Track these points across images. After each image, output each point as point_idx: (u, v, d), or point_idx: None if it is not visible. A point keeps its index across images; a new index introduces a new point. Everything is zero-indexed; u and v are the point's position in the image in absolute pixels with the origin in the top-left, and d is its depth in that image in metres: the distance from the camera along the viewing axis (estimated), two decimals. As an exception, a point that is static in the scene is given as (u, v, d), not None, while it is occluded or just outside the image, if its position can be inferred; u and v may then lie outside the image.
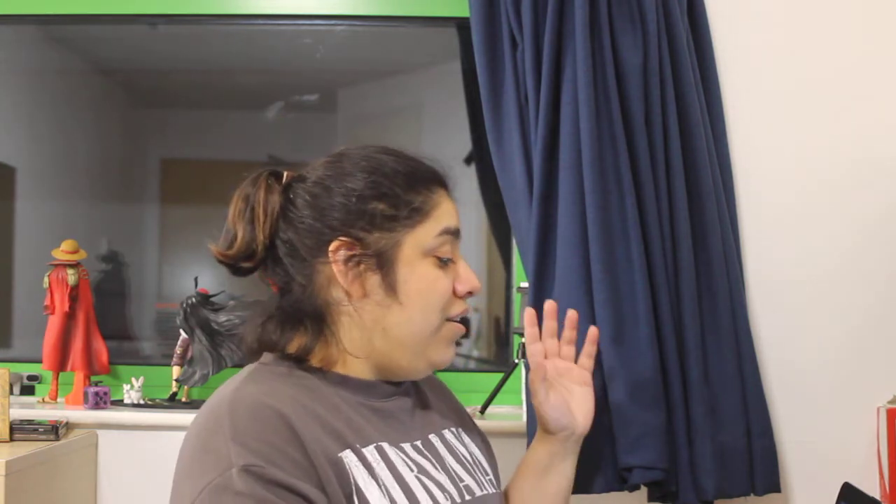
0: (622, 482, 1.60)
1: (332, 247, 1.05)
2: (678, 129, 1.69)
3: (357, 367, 1.08)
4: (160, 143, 2.41)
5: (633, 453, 1.57)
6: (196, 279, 1.92)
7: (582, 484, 1.60)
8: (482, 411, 1.82)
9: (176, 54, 2.30)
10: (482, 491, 1.14)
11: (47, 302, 1.89)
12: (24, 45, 2.25)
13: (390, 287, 1.05)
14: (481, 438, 1.27)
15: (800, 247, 1.80)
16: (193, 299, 1.86)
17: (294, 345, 1.07)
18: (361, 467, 0.99)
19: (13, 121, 2.27)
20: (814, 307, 1.79)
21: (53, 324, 1.89)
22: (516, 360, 1.81)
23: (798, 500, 1.77)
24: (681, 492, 1.61)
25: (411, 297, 1.06)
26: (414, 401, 1.17)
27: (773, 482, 1.67)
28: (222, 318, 1.86)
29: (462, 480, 1.12)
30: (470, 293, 1.11)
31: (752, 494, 1.66)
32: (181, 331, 1.88)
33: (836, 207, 1.81)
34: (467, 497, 1.11)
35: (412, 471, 1.05)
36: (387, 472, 1.02)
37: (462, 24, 1.99)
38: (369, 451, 1.02)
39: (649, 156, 1.66)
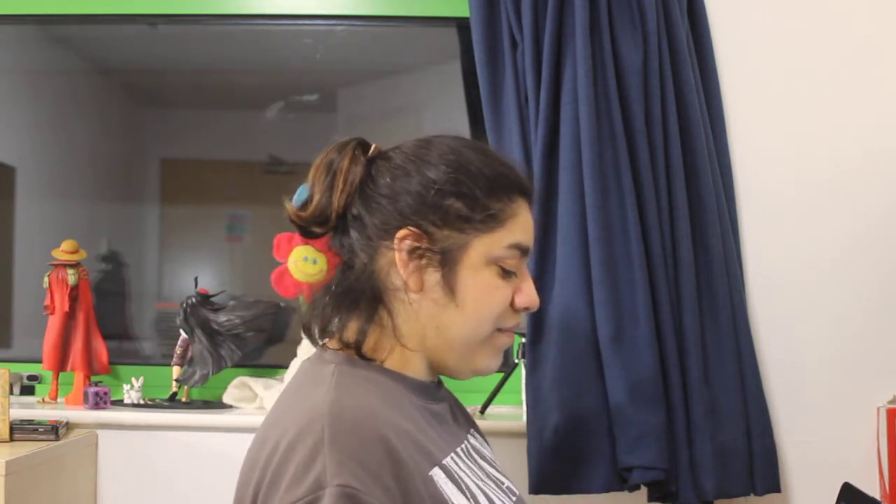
0: (622, 482, 1.60)
1: (399, 234, 1.03)
2: (678, 129, 1.69)
3: (413, 361, 1.07)
4: (160, 143, 2.41)
5: (633, 453, 1.57)
6: (196, 279, 1.92)
7: (582, 484, 1.60)
8: (482, 411, 1.82)
9: (176, 54, 2.30)
10: (517, 490, 1.15)
11: (47, 302, 1.88)
12: (24, 45, 2.25)
13: (449, 287, 1.03)
14: (483, 437, 1.28)
15: (800, 247, 1.80)
16: (193, 299, 1.86)
17: (350, 329, 1.05)
18: (450, 483, 0.97)
19: (13, 121, 2.27)
20: (814, 307, 1.79)
21: (53, 324, 1.89)
22: (516, 360, 1.81)
23: (798, 500, 1.77)
24: (681, 492, 1.61)
25: (468, 301, 1.04)
26: (453, 402, 1.18)
27: (773, 482, 1.67)
28: (222, 318, 1.86)
29: (503, 483, 1.13)
30: (528, 308, 1.09)
31: (752, 494, 1.66)
32: (181, 331, 1.88)
33: (837, 208, 1.81)
34: (513, 498, 1.11)
35: (479, 479, 1.05)
36: (469, 480, 1.02)
37: (462, 24, 1.99)
38: (449, 463, 1.01)
39: (649, 156, 1.66)
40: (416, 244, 1.03)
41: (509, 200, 1.07)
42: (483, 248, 1.04)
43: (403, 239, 1.03)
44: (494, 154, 1.11)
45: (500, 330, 1.08)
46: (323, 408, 0.93)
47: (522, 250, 1.08)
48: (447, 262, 1.03)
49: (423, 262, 1.03)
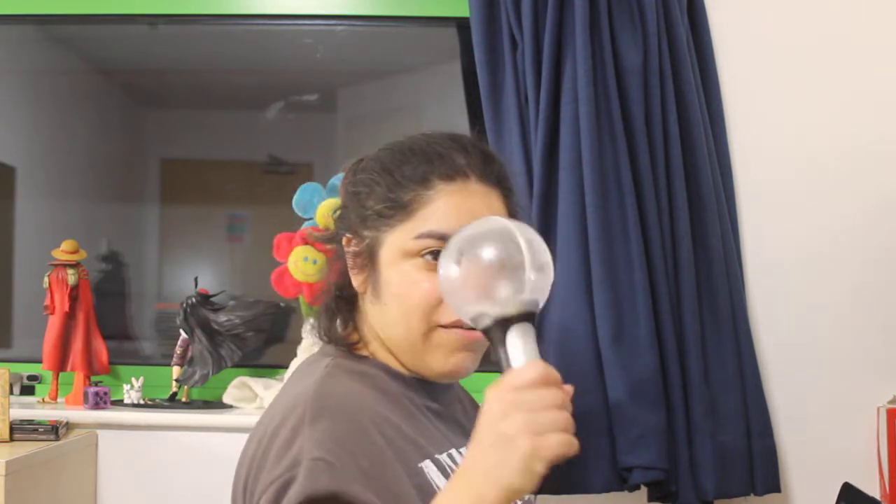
0: (622, 482, 1.60)
1: (343, 241, 1.08)
2: (678, 129, 1.69)
3: (392, 361, 1.07)
4: (160, 143, 2.41)
5: (633, 453, 1.57)
6: (196, 279, 1.92)
7: (582, 484, 1.60)
8: (482, 411, 1.82)
9: (176, 54, 2.30)
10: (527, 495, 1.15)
11: (47, 302, 1.88)
12: (24, 45, 2.25)
13: (373, 286, 1.04)
14: None
15: (800, 247, 1.80)
16: (193, 299, 1.86)
17: (346, 330, 1.10)
18: (442, 477, 0.98)
19: (13, 121, 2.27)
20: (814, 307, 1.79)
21: (53, 324, 1.89)
22: (516, 360, 1.81)
23: (798, 500, 1.77)
24: (681, 492, 1.61)
25: (391, 298, 1.03)
26: (467, 402, 1.18)
27: (773, 482, 1.67)
28: (222, 318, 1.86)
29: None
30: None
31: (752, 494, 1.66)
32: (181, 331, 1.88)
33: (837, 208, 1.81)
34: (519, 502, 1.11)
35: None
36: None
37: (462, 24, 1.99)
38: (445, 459, 1.01)
39: (649, 156, 1.66)
40: (354, 248, 1.06)
41: (424, 189, 1.02)
42: (395, 242, 1.03)
43: (347, 244, 1.08)
44: (423, 144, 1.06)
45: (443, 327, 1.02)
46: (307, 393, 0.95)
47: (441, 238, 0.99)
48: (371, 262, 1.05)
49: (361, 264, 1.06)
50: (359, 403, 0.96)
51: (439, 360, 1.03)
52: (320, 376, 1.00)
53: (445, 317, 1.01)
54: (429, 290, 1.00)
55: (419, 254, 1.01)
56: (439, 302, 1.00)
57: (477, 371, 1.10)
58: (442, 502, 0.80)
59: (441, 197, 1.02)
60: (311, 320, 1.17)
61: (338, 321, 1.10)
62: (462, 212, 1.01)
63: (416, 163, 1.04)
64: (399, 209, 1.02)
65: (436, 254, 0.99)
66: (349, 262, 1.07)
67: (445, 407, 1.12)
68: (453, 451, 1.04)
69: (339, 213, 1.11)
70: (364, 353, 1.09)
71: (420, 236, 1.01)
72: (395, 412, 0.99)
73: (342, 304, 1.09)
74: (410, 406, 1.03)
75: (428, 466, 0.97)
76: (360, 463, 0.89)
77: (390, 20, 2.05)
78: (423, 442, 0.99)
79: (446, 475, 0.98)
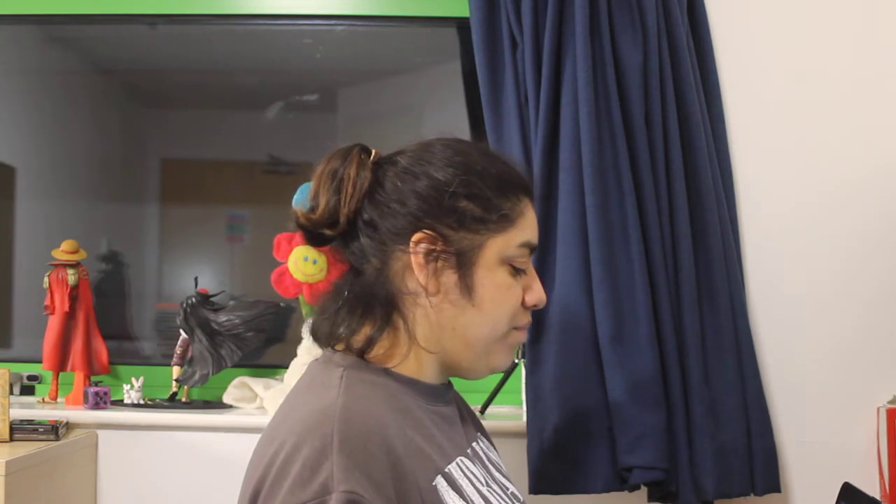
0: (622, 482, 1.60)
1: (414, 238, 1.03)
2: (678, 129, 1.69)
3: (427, 364, 1.07)
4: (160, 143, 2.41)
5: (633, 453, 1.57)
6: (196, 279, 1.92)
7: (582, 484, 1.60)
8: (482, 411, 1.82)
9: (176, 54, 2.29)
10: (522, 495, 1.15)
11: (47, 302, 1.89)
12: (24, 45, 2.25)
13: (466, 288, 1.04)
14: (490, 440, 1.28)
15: (800, 247, 1.80)
16: (193, 299, 1.86)
17: (362, 334, 1.05)
18: (452, 491, 0.97)
19: (13, 121, 2.27)
20: (814, 307, 1.79)
21: (53, 324, 1.89)
22: (516, 360, 1.81)
23: (798, 500, 1.77)
24: (681, 492, 1.61)
25: (485, 301, 1.05)
26: (458, 404, 1.18)
27: (773, 482, 1.67)
28: (222, 318, 1.86)
29: (508, 489, 1.13)
30: (537, 305, 1.11)
31: (752, 494, 1.66)
32: (181, 331, 1.88)
33: (837, 207, 1.81)
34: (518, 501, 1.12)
35: (483, 484, 1.05)
36: (471, 488, 1.02)
37: (462, 24, 1.99)
38: (454, 470, 1.01)
39: (649, 156, 1.66)
40: (432, 247, 1.03)
41: (517, 200, 1.08)
42: (497, 248, 1.06)
43: (419, 242, 1.03)
44: (497, 154, 1.13)
45: (514, 328, 1.09)
46: (332, 411, 0.93)
47: (531, 248, 1.09)
48: (463, 264, 1.04)
49: (439, 264, 1.04)
50: (383, 423, 0.94)
51: (504, 357, 1.10)
52: (340, 390, 0.97)
53: (524, 319, 1.10)
54: (519, 295, 1.08)
55: (511, 261, 1.07)
56: (521, 306, 1.09)
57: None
58: None
59: (527, 210, 1.10)
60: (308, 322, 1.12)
61: (352, 324, 1.05)
62: (536, 226, 1.11)
63: (511, 173, 1.10)
64: (503, 218, 1.06)
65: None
66: (420, 259, 1.03)
67: (450, 409, 1.12)
68: (461, 458, 1.04)
69: (395, 204, 1.05)
70: (376, 359, 1.05)
71: (521, 245, 1.08)
72: (410, 426, 0.99)
73: (379, 306, 1.04)
74: (422, 414, 1.03)
75: (440, 483, 0.97)
76: (388, 494, 0.89)
77: (390, 20, 2.06)
78: (435, 456, 0.99)
79: (455, 488, 0.98)
